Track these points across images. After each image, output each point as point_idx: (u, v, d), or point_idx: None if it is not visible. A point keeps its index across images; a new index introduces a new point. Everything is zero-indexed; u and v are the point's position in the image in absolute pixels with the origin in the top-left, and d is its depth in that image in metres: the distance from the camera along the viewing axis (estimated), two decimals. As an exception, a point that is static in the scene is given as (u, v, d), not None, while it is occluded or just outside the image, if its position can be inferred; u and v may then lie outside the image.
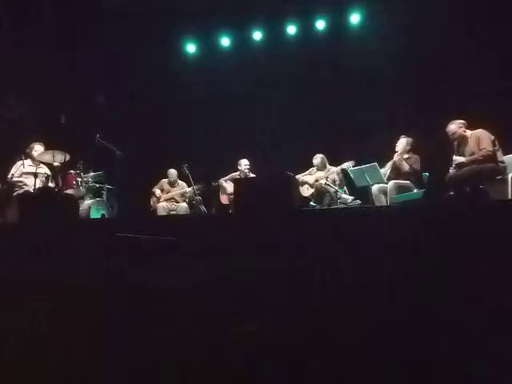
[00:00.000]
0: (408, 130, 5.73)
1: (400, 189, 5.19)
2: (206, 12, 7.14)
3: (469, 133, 4.77)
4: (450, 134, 4.88)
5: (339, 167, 5.94)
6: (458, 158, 4.75)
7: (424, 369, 2.04)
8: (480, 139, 4.61)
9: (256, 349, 2.07)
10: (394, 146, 5.55)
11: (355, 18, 7.04)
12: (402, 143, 5.49)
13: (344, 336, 2.23)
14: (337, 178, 5.98)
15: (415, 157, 5.42)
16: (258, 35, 7.52)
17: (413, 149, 5.47)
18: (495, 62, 5.85)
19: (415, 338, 2.25)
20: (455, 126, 4.84)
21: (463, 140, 4.81)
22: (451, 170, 4.78)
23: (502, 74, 5.66)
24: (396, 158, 5.41)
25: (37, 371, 1.99)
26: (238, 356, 2.01)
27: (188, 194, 6.64)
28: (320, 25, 7.20)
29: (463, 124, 4.83)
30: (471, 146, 4.71)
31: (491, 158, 4.52)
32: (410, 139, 5.51)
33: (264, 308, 2.44)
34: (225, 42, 7.72)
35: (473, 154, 4.66)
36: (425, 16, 6.24)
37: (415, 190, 5.16)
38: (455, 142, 4.86)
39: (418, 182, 5.28)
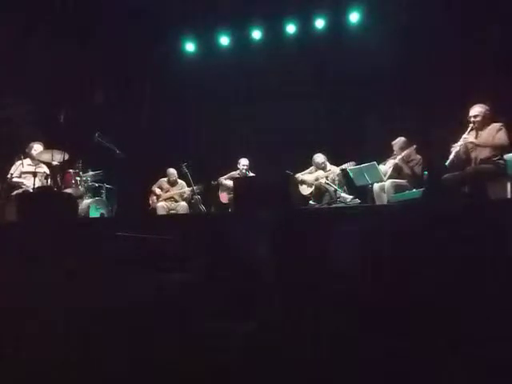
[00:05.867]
0: (408, 129, 5.72)
1: (398, 188, 5.18)
2: (206, 11, 7.13)
3: (491, 123, 4.68)
4: (472, 115, 4.72)
5: (340, 167, 5.93)
6: (469, 137, 4.66)
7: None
8: (500, 131, 4.56)
9: (256, 349, 2.07)
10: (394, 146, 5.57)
11: (354, 17, 7.03)
12: (402, 145, 5.48)
13: (343, 336, 2.23)
14: (336, 177, 5.97)
15: (418, 158, 5.38)
16: (257, 34, 7.51)
17: (416, 150, 5.44)
18: (495, 62, 5.85)
19: (415, 338, 2.25)
20: (482, 110, 4.70)
21: (481, 125, 4.69)
22: (454, 147, 4.69)
23: (503, 73, 5.65)
24: (398, 160, 5.40)
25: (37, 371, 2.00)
26: (238, 356, 2.01)
27: (185, 195, 6.63)
28: (319, 24, 7.20)
29: (489, 111, 4.71)
30: (486, 133, 4.65)
31: (503, 149, 4.52)
32: (405, 140, 5.50)
33: (264, 308, 2.44)
34: (224, 41, 7.72)
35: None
36: (424, 15, 6.23)
37: (414, 190, 5.15)
38: (471, 125, 4.72)
39: (417, 183, 5.26)
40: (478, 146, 4.64)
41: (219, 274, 2.75)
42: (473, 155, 4.71)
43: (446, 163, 4.70)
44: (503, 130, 4.58)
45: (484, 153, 4.62)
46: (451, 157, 4.69)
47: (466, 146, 4.69)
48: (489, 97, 4.91)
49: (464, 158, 4.76)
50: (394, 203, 4.95)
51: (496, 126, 4.65)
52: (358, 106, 6.61)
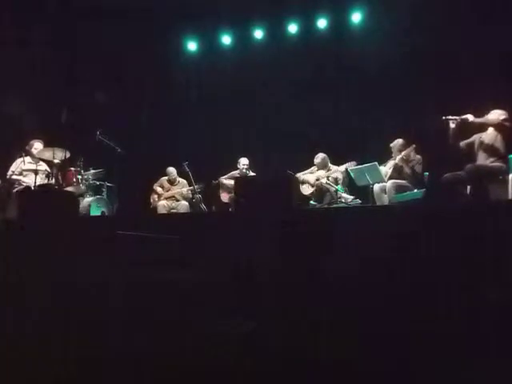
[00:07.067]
0: (409, 130, 5.71)
1: (398, 188, 5.17)
2: (207, 10, 7.12)
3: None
4: (490, 114, 4.65)
5: (342, 167, 5.92)
6: (468, 115, 4.58)
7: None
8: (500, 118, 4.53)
9: (256, 349, 2.07)
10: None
11: (356, 17, 7.03)
12: (400, 147, 5.47)
13: (343, 336, 2.23)
14: (340, 176, 5.96)
15: (418, 158, 5.37)
16: (259, 34, 7.51)
17: (416, 150, 5.43)
18: (497, 62, 5.84)
19: (414, 338, 2.25)
20: (498, 112, 4.62)
21: (487, 127, 4.63)
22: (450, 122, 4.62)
23: (503, 73, 5.64)
24: (398, 160, 5.39)
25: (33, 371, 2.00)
26: (238, 356, 2.01)
27: (184, 195, 6.61)
28: (321, 24, 7.19)
29: (505, 116, 4.58)
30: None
31: (501, 126, 4.47)
32: (402, 142, 5.49)
33: (264, 308, 2.44)
34: (226, 40, 7.72)
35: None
36: (426, 15, 6.22)
37: (415, 190, 5.14)
38: (483, 119, 4.65)
39: (418, 182, 5.25)
40: (471, 122, 4.56)
41: (219, 274, 2.76)
42: (476, 152, 4.67)
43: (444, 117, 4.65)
44: (505, 122, 4.52)
45: (486, 152, 4.58)
46: (450, 116, 4.62)
47: (473, 141, 4.64)
48: (490, 98, 4.91)
49: (466, 151, 4.72)
50: (395, 204, 4.95)
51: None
52: (359, 106, 6.59)
